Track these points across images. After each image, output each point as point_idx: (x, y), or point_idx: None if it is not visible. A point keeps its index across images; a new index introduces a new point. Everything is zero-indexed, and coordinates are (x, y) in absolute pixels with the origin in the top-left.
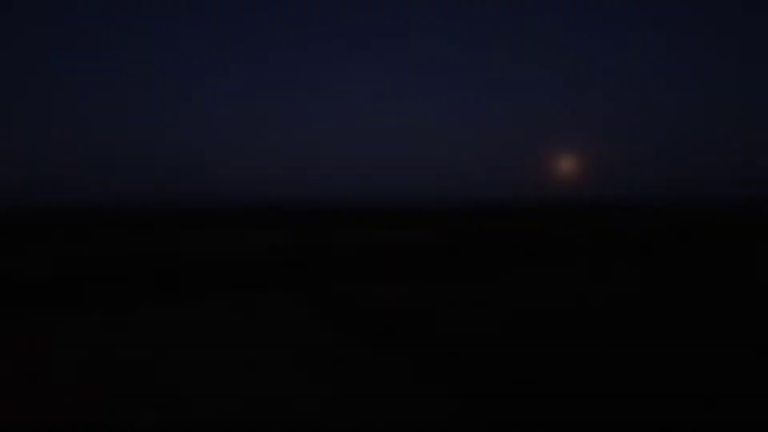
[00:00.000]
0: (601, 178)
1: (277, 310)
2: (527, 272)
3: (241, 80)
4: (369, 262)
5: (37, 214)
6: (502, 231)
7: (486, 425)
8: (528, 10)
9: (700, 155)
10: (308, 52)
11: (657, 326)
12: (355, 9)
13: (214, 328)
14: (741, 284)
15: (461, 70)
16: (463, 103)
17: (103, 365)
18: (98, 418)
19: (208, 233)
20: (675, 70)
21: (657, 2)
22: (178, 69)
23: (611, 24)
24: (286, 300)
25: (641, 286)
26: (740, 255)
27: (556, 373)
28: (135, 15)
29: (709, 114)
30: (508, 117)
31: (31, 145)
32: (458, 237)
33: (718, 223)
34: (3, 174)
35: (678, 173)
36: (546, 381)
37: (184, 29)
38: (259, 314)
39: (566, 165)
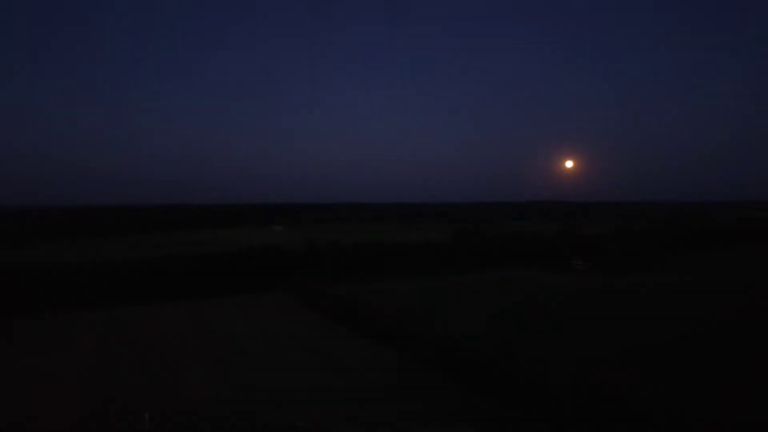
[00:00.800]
0: (602, 180)
1: (278, 308)
2: (515, 272)
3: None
4: (368, 263)
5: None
6: (500, 233)
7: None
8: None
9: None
10: (309, 55)
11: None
12: (354, 11)
13: (220, 324)
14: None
15: (461, 65)
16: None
17: None
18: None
19: (218, 234)
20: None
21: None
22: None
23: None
24: (287, 300)
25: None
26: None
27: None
28: (136, 14)
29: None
30: (509, 117)
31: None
32: (457, 239)
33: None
34: None
35: (677, 173)
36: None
37: (183, 29)
38: (261, 313)
39: (568, 166)
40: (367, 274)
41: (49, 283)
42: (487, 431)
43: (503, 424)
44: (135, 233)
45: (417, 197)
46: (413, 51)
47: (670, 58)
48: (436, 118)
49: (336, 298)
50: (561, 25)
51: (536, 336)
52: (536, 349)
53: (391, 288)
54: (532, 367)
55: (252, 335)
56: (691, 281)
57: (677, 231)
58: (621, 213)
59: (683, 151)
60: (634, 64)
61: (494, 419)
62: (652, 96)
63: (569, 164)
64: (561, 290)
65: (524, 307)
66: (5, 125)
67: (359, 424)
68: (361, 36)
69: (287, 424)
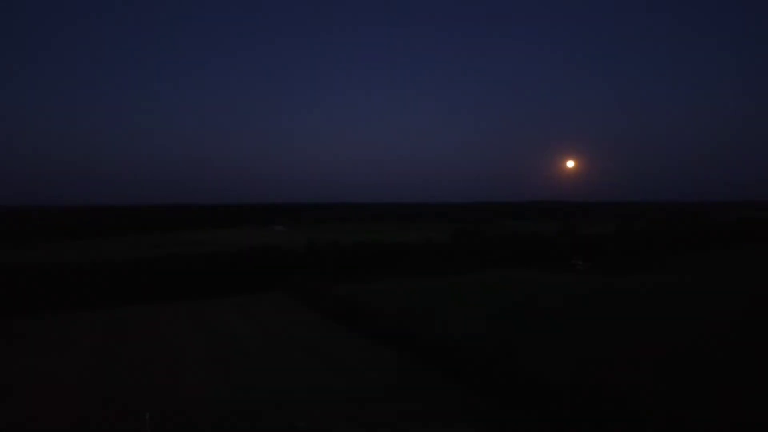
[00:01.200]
0: (602, 180)
1: (278, 308)
2: (515, 272)
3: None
4: (368, 263)
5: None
6: (500, 233)
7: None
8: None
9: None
10: (310, 56)
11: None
12: (354, 11)
13: (220, 323)
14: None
15: (460, 66)
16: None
17: None
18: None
19: (218, 234)
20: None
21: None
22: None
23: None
24: (287, 299)
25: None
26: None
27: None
28: (136, 14)
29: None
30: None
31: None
32: (457, 239)
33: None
34: None
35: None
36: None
37: (184, 30)
38: (261, 313)
39: (568, 166)
40: (367, 274)
41: (49, 283)
42: (487, 431)
43: (503, 424)
44: (135, 233)
45: (417, 197)
46: (413, 51)
47: (670, 58)
48: (436, 118)
49: (336, 298)
50: (561, 25)
51: (536, 336)
52: (536, 349)
53: (391, 288)
54: (532, 367)
55: (252, 335)
56: (691, 281)
57: (677, 231)
58: (621, 213)
59: (683, 151)
60: (634, 64)
61: (494, 419)
62: (652, 96)
63: (570, 164)
64: (561, 290)
65: (524, 307)
66: (5, 125)
67: (359, 424)
68: (361, 36)
69: (287, 424)
